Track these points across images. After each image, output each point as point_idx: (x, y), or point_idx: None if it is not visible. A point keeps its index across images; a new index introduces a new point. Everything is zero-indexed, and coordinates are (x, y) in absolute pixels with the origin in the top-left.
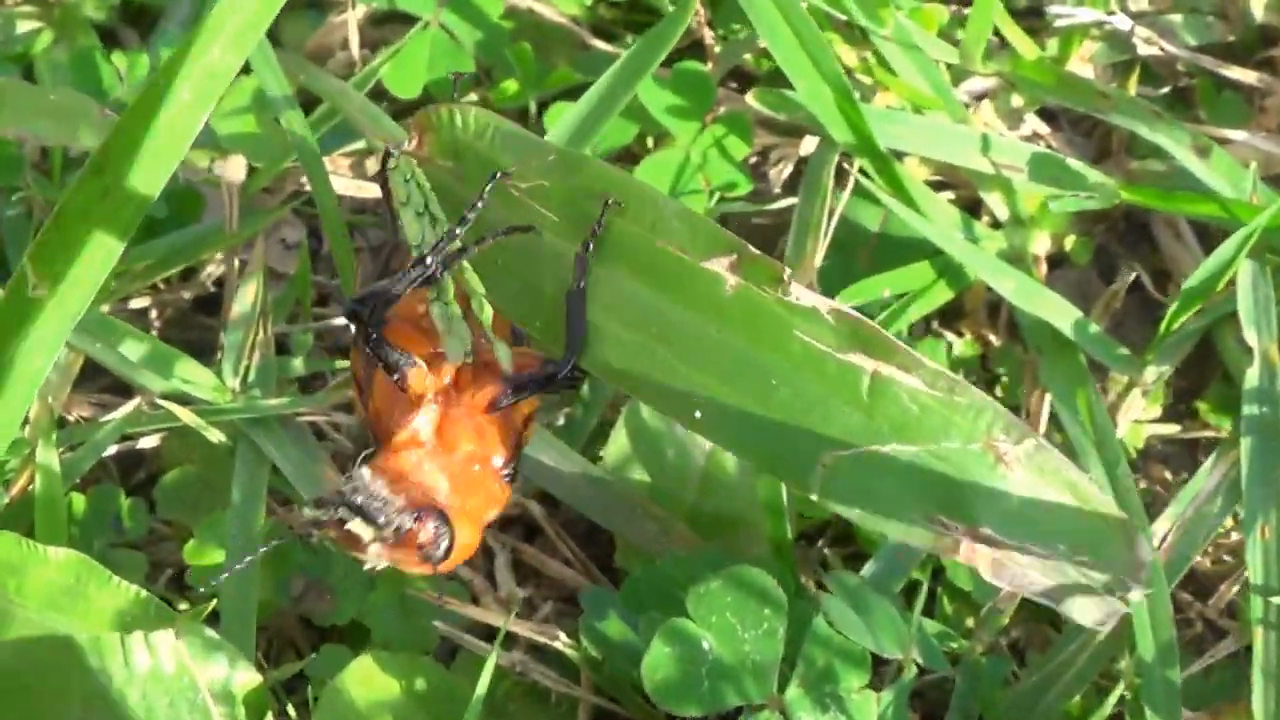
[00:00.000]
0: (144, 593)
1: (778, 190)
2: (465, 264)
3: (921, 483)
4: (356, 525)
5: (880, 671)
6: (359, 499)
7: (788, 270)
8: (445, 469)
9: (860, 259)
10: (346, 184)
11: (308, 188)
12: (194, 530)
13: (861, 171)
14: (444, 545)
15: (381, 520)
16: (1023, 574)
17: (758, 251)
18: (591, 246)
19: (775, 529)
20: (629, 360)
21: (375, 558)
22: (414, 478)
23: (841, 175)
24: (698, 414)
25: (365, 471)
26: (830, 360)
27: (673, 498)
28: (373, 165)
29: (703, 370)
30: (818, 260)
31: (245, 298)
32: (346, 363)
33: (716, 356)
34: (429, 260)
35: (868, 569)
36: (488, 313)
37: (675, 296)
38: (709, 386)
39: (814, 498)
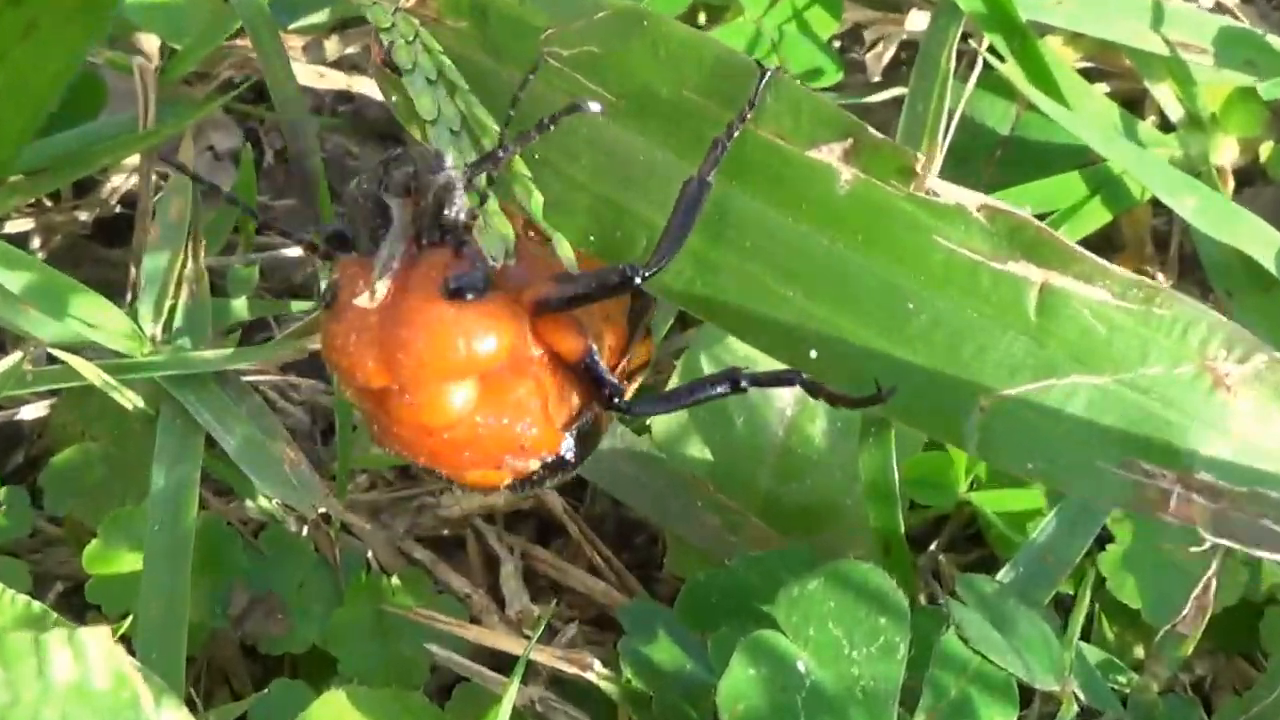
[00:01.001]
0: (36, 605)
1: (876, 79)
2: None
3: (1113, 422)
4: (395, 206)
5: (1027, 705)
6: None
7: (920, 157)
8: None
9: (984, 170)
10: (301, 71)
11: (245, 75)
12: (97, 529)
13: (991, 53)
14: (479, 278)
15: (440, 183)
16: (1255, 529)
17: (879, 134)
18: (736, 132)
19: (882, 519)
20: (714, 284)
21: (393, 243)
22: None
23: (963, 59)
24: (812, 353)
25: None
26: (984, 271)
27: (742, 481)
28: (334, 47)
29: (814, 294)
30: (933, 172)
31: (167, 218)
32: (302, 305)
33: (831, 275)
34: (501, 146)
35: (1005, 575)
36: (537, 200)
37: (773, 197)
38: (823, 315)
39: (970, 450)
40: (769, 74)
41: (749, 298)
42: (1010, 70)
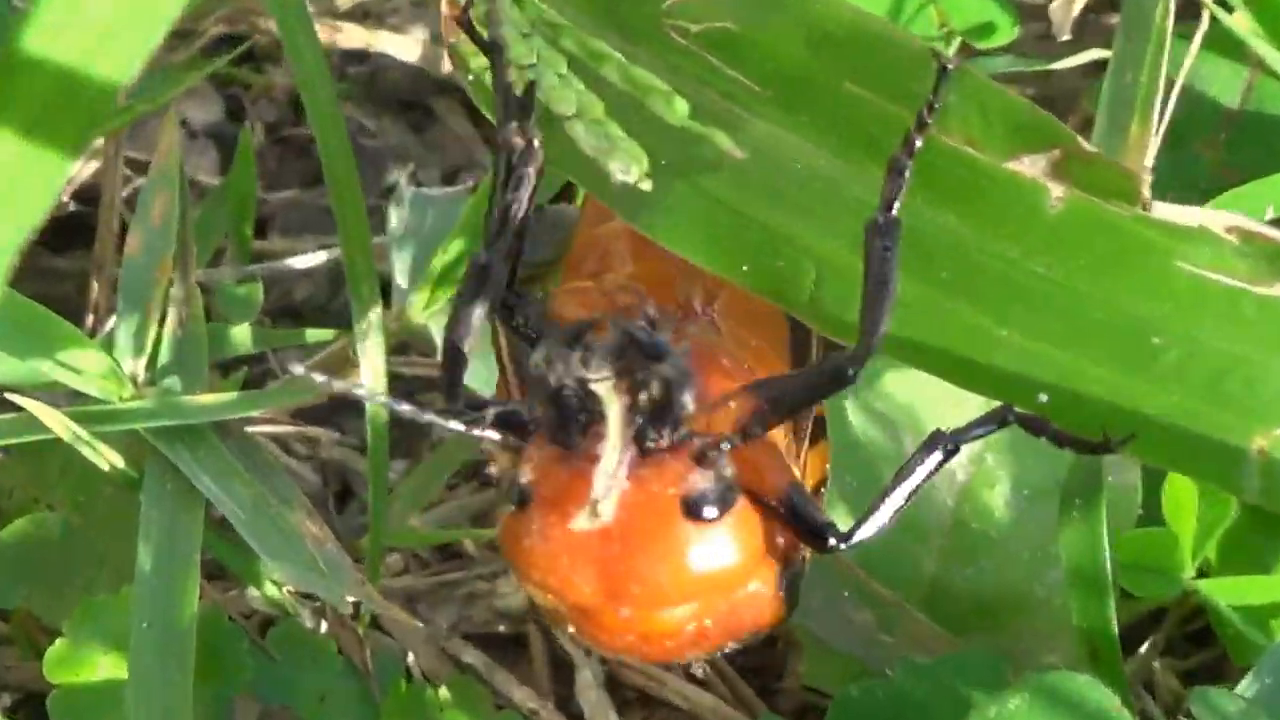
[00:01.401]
0: None
1: (1065, 38)
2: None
3: None
4: (607, 390)
5: None
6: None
7: (1146, 177)
8: None
9: (1206, 152)
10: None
11: (236, 31)
12: (60, 625)
13: (1217, 2)
14: (721, 493)
15: (668, 367)
16: None
17: (1090, 146)
18: (917, 145)
19: (1090, 616)
20: (910, 325)
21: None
22: None
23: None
24: (1042, 397)
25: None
26: (1246, 298)
27: (902, 565)
28: None
29: (1033, 332)
30: (1147, 158)
31: (148, 221)
32: (320, 333)
33: (1051, 308)
34: None
35: (1247, 688)
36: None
37: (969, 217)
38: (1048, 355)
39: (1250, 498)
40: (949, 67)
41: (954, 340)
42: (1241, 23)
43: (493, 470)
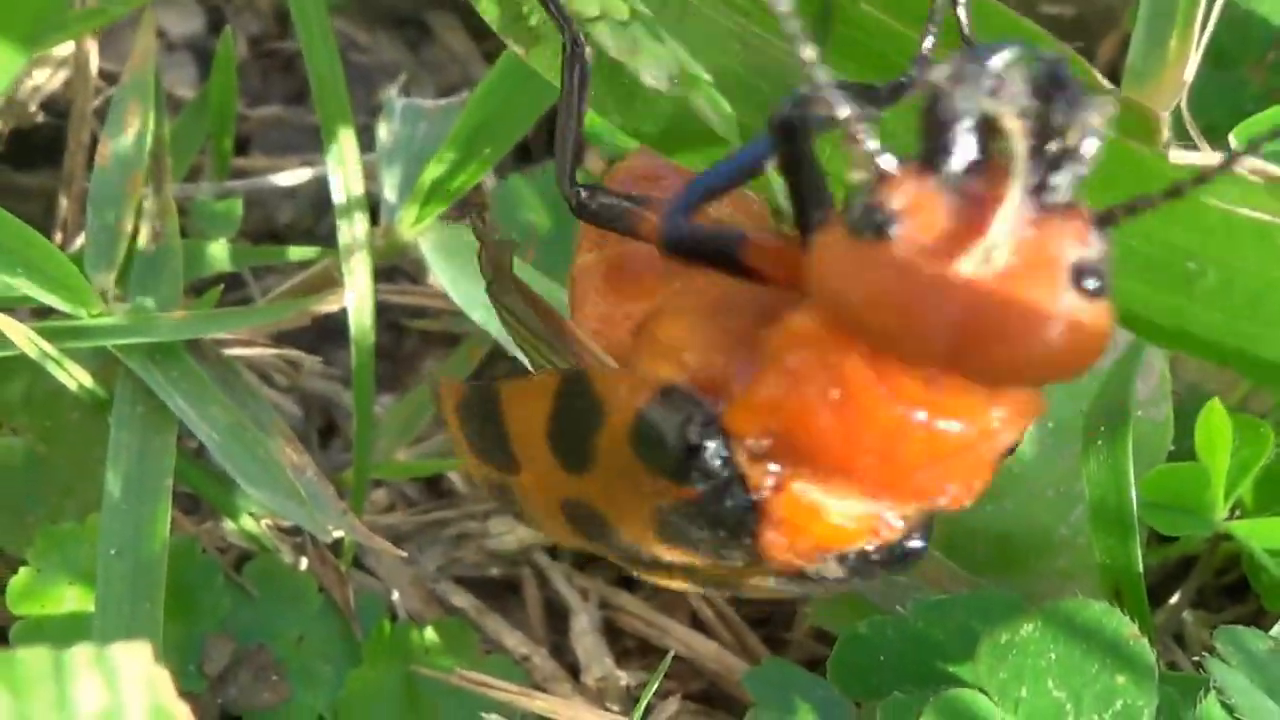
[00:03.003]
0: None
1: None
2: None
3: None
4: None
5: None
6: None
7: (1164, 118)
8: None
9: (1254, 74)
10: None
11: None
12: (24, 554)
13: None
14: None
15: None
16: None
17: (1107, 81)
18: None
19: (1114, 554)
20: None
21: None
22: None
23: None
24: None
25: None
26: (1277, 231)
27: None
28: None
29: None
30: (1187, 74)
31: (122, 133)
32: (304, 251)
33: None
34: None
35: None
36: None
37: None
38: None
39: None
40: None
41: None
42: None
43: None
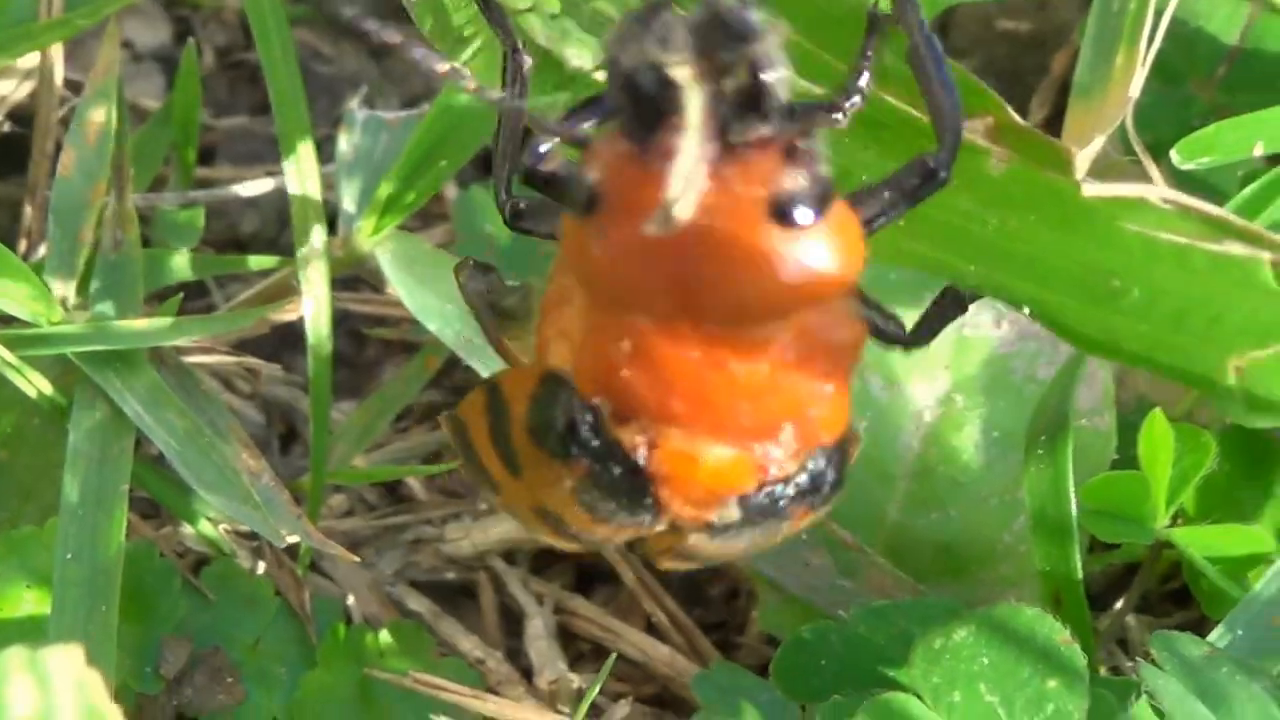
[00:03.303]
0: None
1: None
2: None
3: None
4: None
5: None
6: None
7: (1076, 152)
8: None
9: (1202, 92)
10: None
11: None
12: None
13: None
14: (820, 187)
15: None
16: None
17: (1022, 121)
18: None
19: (1054, 560)
20: (881, 254)
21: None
22: None
23: None
24: (1025, 310)
25: None
26: (1196, 253)
27: (863, 510)
28: None
29: (993, 267)
30: (1133, 88)
31: (83, 142)
32: (263, 260)
33: (1011, 254)
34: None
35: (1219, 637)
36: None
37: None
38: (1015, 288)
39: (1236, 415)
40: (879, 24)
41: (927, 270)
42: None
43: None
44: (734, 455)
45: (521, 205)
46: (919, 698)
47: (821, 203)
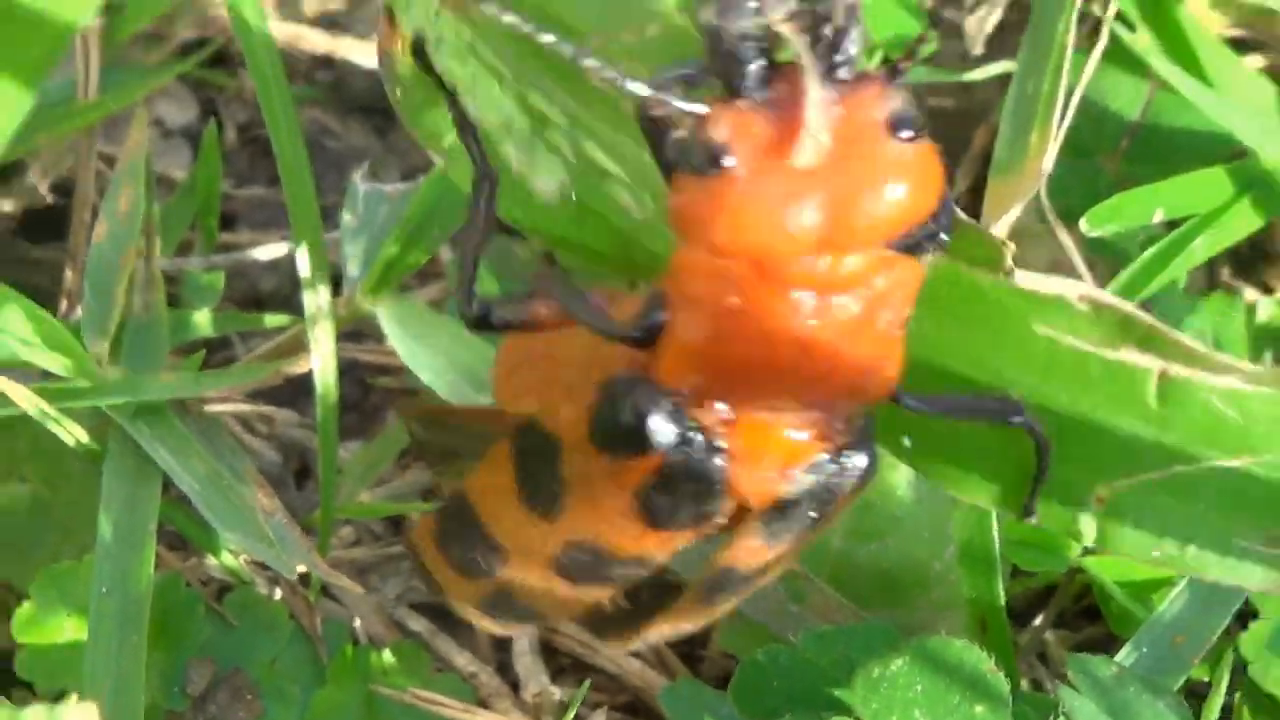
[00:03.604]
0: None
1: (978, 51)
2: None
3: (1256, 503)
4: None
5: None
6: None
7: (1010, 247)
8: None
9: (1107, 163)
10: (274, 31)
11: (205, 35)
12: (27, 590)
13: (1120, 20)
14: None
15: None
16: None
17: (962, 215)
18: None
19: (980, 589)
20: None
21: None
22: None
23: (1084, 25)
24: (905, 440)
25: None
26: (1093, 360)
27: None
28: (312, 2)
29: (917, 368)
30: (1046, 163)
31: (115, 212)
32: (277, 319)
33: (921, 357)
34: None
35: (1126, 656)
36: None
37: None
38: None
39: (1087, 543)
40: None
41: None
42: (1141, 41)
43: None
44: (807, 420)
45: (485, 311)
46: None
47: (921, 122)
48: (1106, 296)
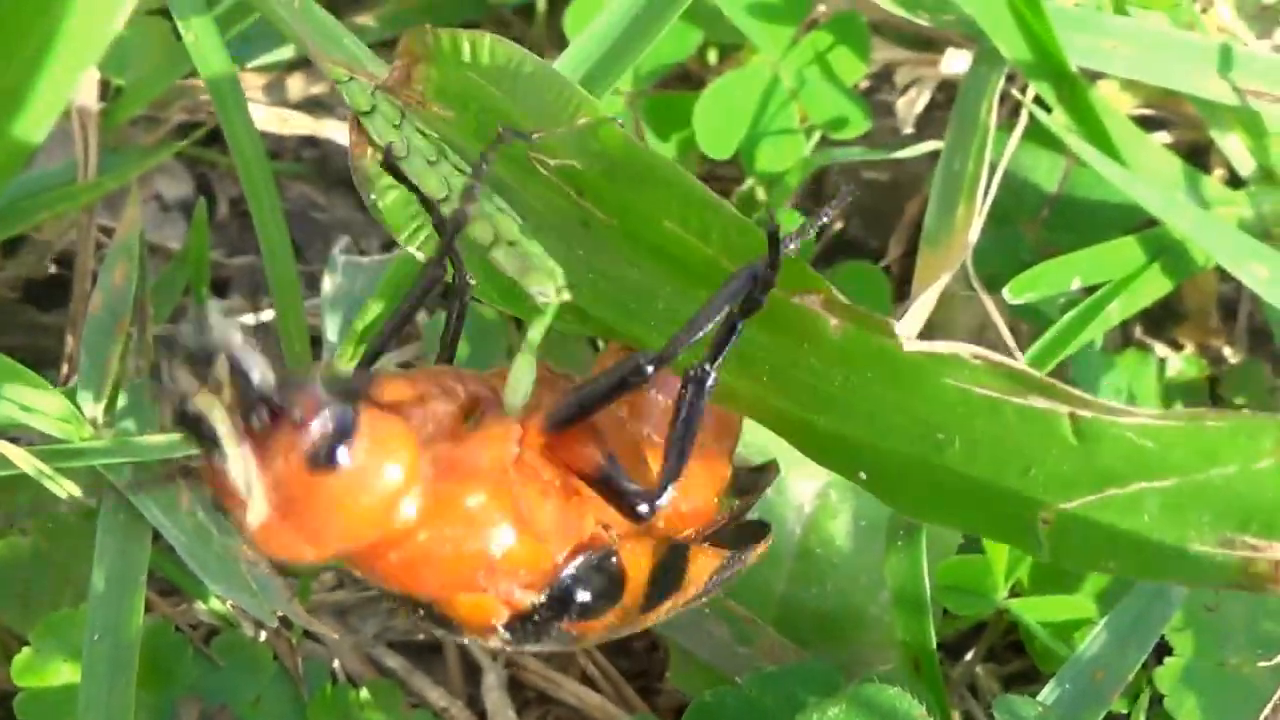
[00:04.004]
0: None
1: (908, 130)
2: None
3: (1199, 512)
4: (218, 407)
5: None
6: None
7: (896, 325)
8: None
9: (1028, 231)
10: (261, 114)
11: (197, 119)
12: (28, 636)
13: (1037, 102)
14: (337, 432)
15: (254, 376)
16: None
17: (845, 300)
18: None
19: (912, 631)
20: (758, 416)
21: (234, 456)
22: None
23: (1005, 107)
24: (862, 474)
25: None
26: (1006, 407)
27: (755, 586)
28: (298, 86)
29: (844, 422)
30: (972, 235)
31: (110, 282)
32: None
33: (853, 406)
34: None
35: (1049, 694)
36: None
37: (777, 335)
38: (857, 439)
39: (1044, 558)
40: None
41: (780, 426)
42: (1058, 121)
43: None
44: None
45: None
46: None
47: (346, 434)
48: (994, 355)
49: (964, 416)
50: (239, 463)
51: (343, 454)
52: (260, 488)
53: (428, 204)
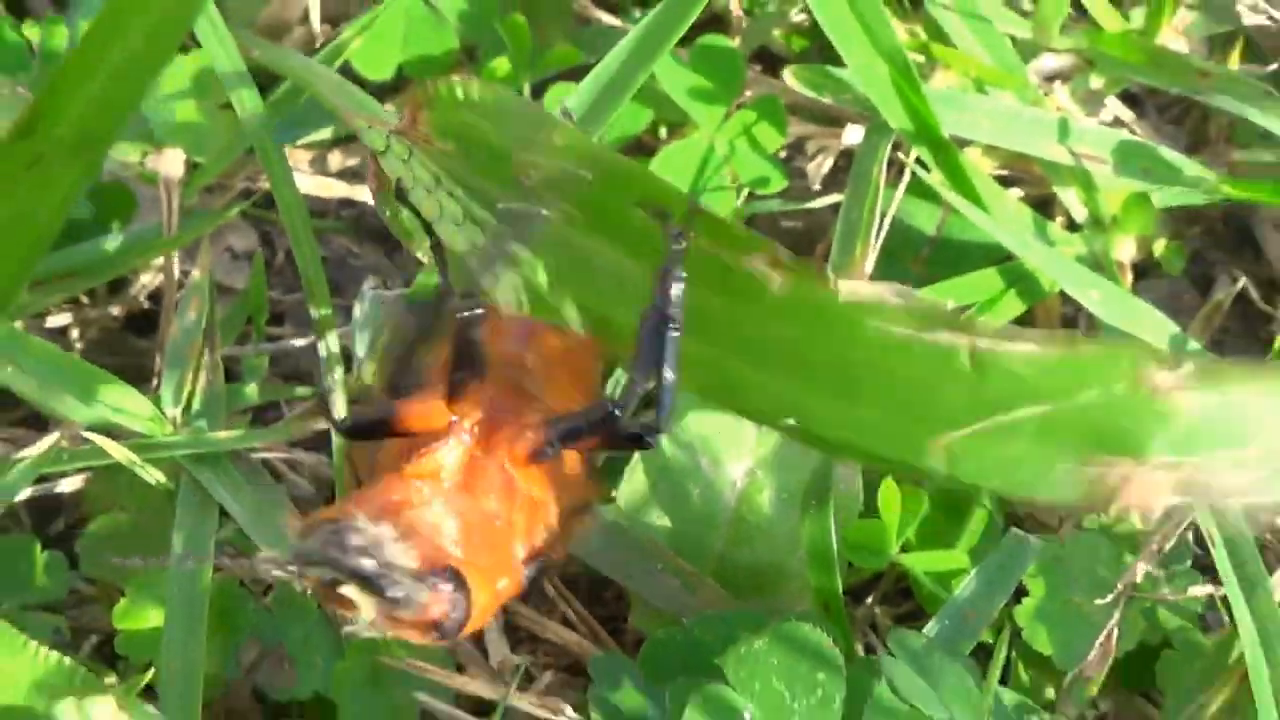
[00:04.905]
0: (66, 660)
1: (817, 187)
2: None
3: (1065, 438)
4: (355, 593)
5: None
6: (361, 561)
7: (828, 267)
8: (461, 514)
9: (914, 267)
10: (308, 181)
11: (259, 186)
12: (125, 589)
13: (919, 164)
14: (459, 618)
15: (390, 591)
16: (1219, 481)
17: (788, 253)
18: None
19: (822, 581)
20: (701, 376)
21: (371, 626)
22: (421, 520)
23: (893, 169)
24: (791, 421)
25: (362, 517)
26: (915, 344)
27: (698, 546)
28: (338, 160)
29: (780, 375)
30: (867, 268)
31: (187, 314)
32: (306, 390)
33: (787, 360)
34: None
35: (931, 629)
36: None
37: (724, 295)
38: (792, 392)
39: (940, 483)
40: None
41: (726, 382)
42: (935, 178)
43: None
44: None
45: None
46: (732, 686)
47: (461, 628)
48: (915, 293)
49: (880, 356)
50: (375, 618)
51: (453, 626)
52: (381, 626)
53: (426, 224)
